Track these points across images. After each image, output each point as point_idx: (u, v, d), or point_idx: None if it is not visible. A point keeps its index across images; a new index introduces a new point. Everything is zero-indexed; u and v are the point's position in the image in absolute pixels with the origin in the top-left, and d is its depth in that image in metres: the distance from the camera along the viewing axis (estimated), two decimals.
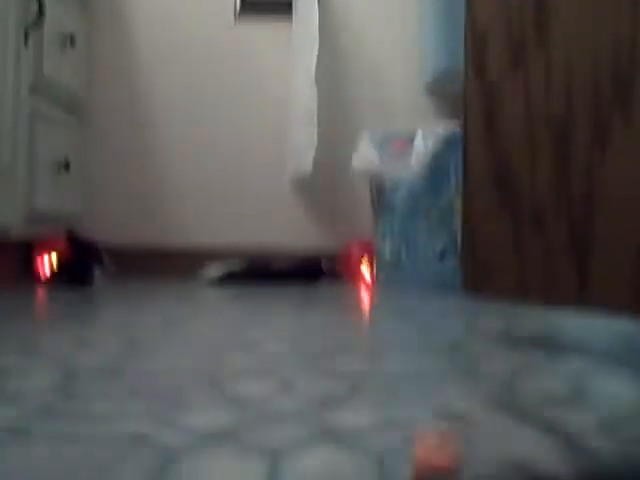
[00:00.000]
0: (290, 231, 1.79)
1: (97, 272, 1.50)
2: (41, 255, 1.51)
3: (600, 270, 0.59)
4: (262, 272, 1.54)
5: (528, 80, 0.67)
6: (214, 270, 1.54)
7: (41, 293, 1.28)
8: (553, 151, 0.64)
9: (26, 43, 1.34)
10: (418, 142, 1.42)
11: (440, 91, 1.73)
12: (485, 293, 0.71)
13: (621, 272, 0.57)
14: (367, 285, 1.60)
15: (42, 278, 1.47)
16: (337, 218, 1.79)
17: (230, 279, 1.52)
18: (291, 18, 1.77)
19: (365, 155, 1.49)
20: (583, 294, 0.60)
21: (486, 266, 0.71)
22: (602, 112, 0.59)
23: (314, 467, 0.31)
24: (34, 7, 1.38)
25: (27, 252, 1.74)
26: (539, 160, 0.66)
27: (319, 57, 1.73)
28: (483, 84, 0.72)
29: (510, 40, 0.69)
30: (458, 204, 1.45)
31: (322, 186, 1.79)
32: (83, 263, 1.47)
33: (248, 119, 1.80)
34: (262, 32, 1.80)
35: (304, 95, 1.68)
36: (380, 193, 1.52)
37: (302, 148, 1.68)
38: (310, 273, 1.57)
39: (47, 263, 1.47)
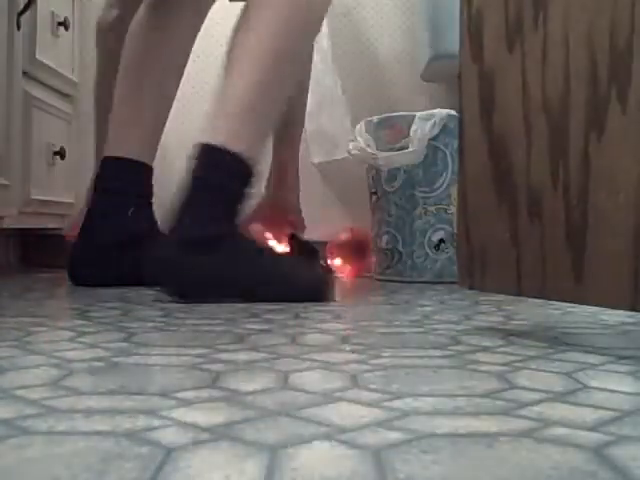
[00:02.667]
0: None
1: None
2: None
3: (596, 264, 0.58)
4: None
5: (524, 63, 0.66)
6: None
7: (36, 282, 1.27)
8: (549, 137, 0.63)
9: (18, 27, 1.32)
10: (415, 128, 1.41)
11: (437, 76, 1.72)
12: (481, 287, 0.71)
13: (617, 266, 0.56)
14: (361, 275, 1.59)
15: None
16: (336, 208, 1.78)
17: None
18: None
19: (361, 142, 1.48)
20: (579, 289, 0.60)
21: (482, 259, 0.70)
22: (599, 97, 0.58)
23: (312, 464, 0.30)
24: None
25: (22, 241, 1.73)
26: (535, 148, 0.65)
27: None
28: (480, 68, 0.71)
29: (507, 21, 0.68)
30: (455, 192, 1.44)
31: (319, 175, 1.77)
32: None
33: None
34: None
35: (323, 79, 1.66)
36: (376, 181, 1.50)
37: (333, 133, 1.67)
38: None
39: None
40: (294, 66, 1.05)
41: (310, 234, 1.46)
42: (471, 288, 0.72)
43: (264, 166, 1.19)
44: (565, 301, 0.61)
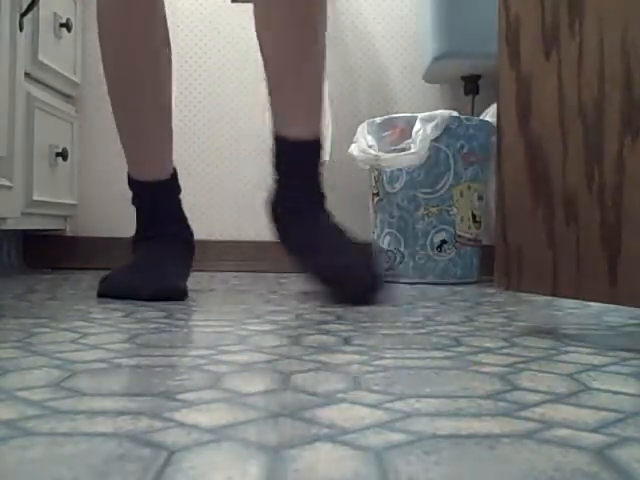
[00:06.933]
0: None
1: None
2: None
3: (630, 266, 0.58)
4: None
5: (560, 67, 0.67)
6: None
7: (37, 283, 1.27)
8: (585, 141, 0.64)
9: (21, 28, 1.33)
10: (417, 130, 1.41)
11: (439, 77, 1.72)
12: (517, 288, 0.72)
13: None
14: None
15: None
16: (337, 209, 1.77)
17: None
18: None
19: (363, 144, 1.48)
20: (614, 290, 0.60)
21: (519, 260, 0.71)
22: (633, 100, 0.59)
23: (314, 465, 0.30)
24: None
25: (24, 242, 1.73)
26: (571, 151, 0.66)
27: None
28: (517, 74, 0.72)
29: (543, 28, 0.69)
30: (457, 193, 1.44)
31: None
32: None
33: (248, 104, 1.78)
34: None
35: None
36: (378, 182, 1.50)
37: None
38: None
39: None
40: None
41: None
42: (507, 289, 0.73)
43: None
44: (600, 302, 0.62)
